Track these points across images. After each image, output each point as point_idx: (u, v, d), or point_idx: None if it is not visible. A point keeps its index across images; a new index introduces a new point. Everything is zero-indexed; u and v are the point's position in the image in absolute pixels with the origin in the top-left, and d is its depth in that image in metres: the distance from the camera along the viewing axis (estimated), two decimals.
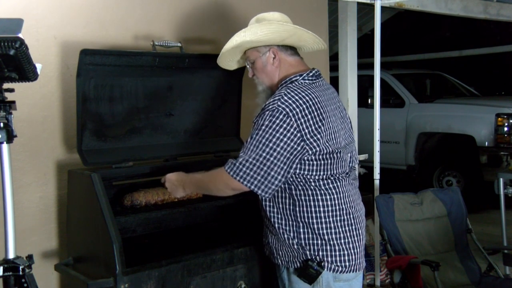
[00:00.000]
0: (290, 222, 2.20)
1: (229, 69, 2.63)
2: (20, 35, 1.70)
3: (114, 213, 2.34)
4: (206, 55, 2.94)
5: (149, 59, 2.68)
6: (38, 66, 1.85)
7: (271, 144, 2.08)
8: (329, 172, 2.17)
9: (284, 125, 2.08)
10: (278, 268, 2.34)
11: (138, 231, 2.55)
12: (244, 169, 2.10)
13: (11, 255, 1.92)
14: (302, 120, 2.10)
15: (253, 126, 2.17)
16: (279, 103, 2.11)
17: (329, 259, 2.18)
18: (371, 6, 4.06)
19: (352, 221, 2.23)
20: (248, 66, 2.40)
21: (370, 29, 8.12)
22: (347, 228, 2.21)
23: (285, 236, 2.21)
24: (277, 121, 2.09)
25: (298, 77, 2.25)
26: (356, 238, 2.23)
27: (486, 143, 6.45)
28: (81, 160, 2.55)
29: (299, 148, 2.10)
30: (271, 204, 2.25)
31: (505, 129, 6.35)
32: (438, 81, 8.34)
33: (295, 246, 2.20)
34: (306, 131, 2.10)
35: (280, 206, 2.22)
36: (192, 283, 2.44)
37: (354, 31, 4.46)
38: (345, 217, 2.21)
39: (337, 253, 2.19)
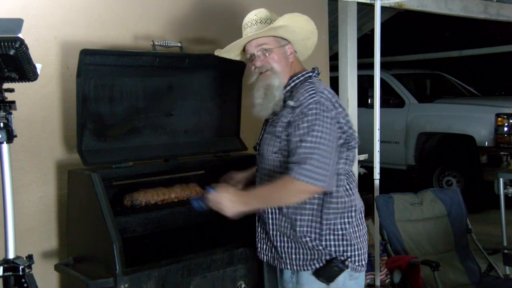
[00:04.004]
0: (313, 224, 2.17)
1: (226, 57, 2.49)
2: (20, 35, 1.70)
3: (114, 213, 2.34)
4: (206, 55, 2.94)
5: (149, 59, 2.68)
6: (38, 66, 1.85)
7: (326, 140, 2.06)
8: (347, 167, 2.21)
9: (330, 118, 2.10)
10: (281, 273, 2.29)
11: (138, 231, 2.55)
12: (316, 170, 2.04)
13: (11, 255, 1.92)
14: (338, 110, 2.15)
15: (298, 124, 2.10)
16: (318, 97, 2.12)
17: (352, 258, 2.19)
18: (371, 6, 4.06)
19: (362, 220, 2.27)
20: (257, 54, 2.27)
21: (370, 29, 8.11)
22: (361, 227, 2.25)
23: (306, 238, 2.17)
24: (324, 114, 2.09)
25: (311, 74, 2.27)
26: (365, 237, 2.28)
27: (486, 143, 6.44)
28: (81, 160, 2.55)
29: (340, 141, 2.15)
30: (296, 206, 2.18)
31: (505, 129, 6.34)
32: (438, 81, 8.34)
33: (318, 247, 2.17)
34: (343, 121, 2.16)
35: (307, 206, 2.17)
36: (192, 283, 2.44)
37: (354, 31, 4.46)
38: (359, 215, 2.24)
39: (357, 252, 2.21)
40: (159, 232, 2.68)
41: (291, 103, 2.15)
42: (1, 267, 1.90)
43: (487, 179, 6.21)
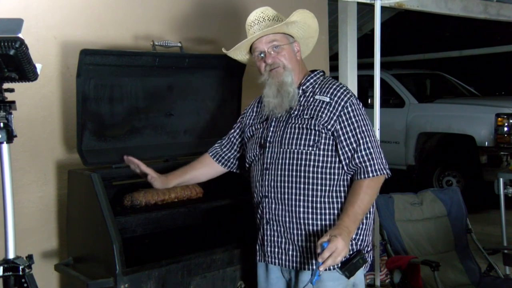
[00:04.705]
0: None
1: (233, 56, 2.47)
2: (20, 35, 1.70)
3: (114, 213, 2.34)
4: (206, 55, 2.94)
5: (149, 59, 2.68)
6: (38, 66, 1.85)
7: (371, 130, 2.21)
8: None
9: (363, 109, 2.25)
10: (297, 274, 2.21)
11: (138, 231, 2.55)
12: (383, 160, 2.18)
13: (11, 255, 1.92)
14: None
15: (346, 120, 2.16)
16: (349, 91, 2.23)
17: (370, 252, 2.25)
18: (371, 6, 4.05)
19: None
20: (268, 50, 2.25)
21: (370, 29, 8.11)
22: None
23: None
24: (361, 107, 2.23)
25: (322, 73, 2.34)
26: None
27: (486, 143, 6.44)
28: (81, 160, 2.55)
29: None
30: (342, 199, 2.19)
31: (505, 129, 6.34)
32: (438, 81, 8.34)
33: (352, 241, 2.15)
34: None
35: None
36: (192, 283, 2.44)
37: (354, 31, 4.46)
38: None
39: (371, 246, 2.25)
40: (159, 232, 2.68)
41: (326, 98, 2.20)
42: (1, 267, 1.90)
43: (487, 179, 6.21)
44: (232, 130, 2.55)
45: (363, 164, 2.14)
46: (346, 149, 2.16)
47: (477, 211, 6.15)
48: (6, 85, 1.88)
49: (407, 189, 3.79)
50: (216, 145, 2.58)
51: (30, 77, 1.82)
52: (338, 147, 2.16)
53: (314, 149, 2.16)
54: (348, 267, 2.11)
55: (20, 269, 1.90)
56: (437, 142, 7.11)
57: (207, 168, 2.56)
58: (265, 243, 2.26)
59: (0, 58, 1.71)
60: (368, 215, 2.23)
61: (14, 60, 1.72)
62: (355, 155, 2.15)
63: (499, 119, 6.38)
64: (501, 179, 4.48)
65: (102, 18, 2.92)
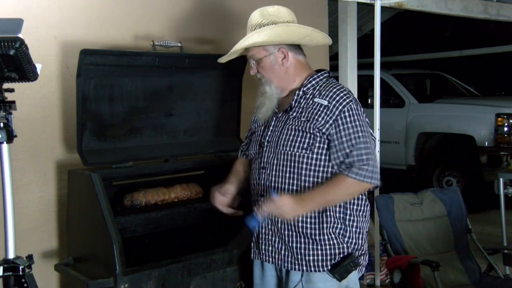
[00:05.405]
0: (341, 220, 2.19)
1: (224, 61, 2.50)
2: (20, 35, 1.70)
3: (114, 213, 2.34)
4: (206, 55, 2.94)
5: (149, 59, 2.68)
6: (38, 66, 1.85)
7: (368, 137, 2.14)
8: None
9: (365, 116, 2.19)
10: (287, 274, 2.24)
11: (138, 231, 2.55)
12: (374, 169, 2.12)
13: (11, 255, 1.92)
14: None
15: (342, 123, 2.12)
16: (350, 95, 2.17)
17: (364, 256, 2.23)
18: (371, 6, 4.05)
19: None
20: (251, 64, 2.29)
21: (370, 29, 8.11)
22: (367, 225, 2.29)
23: (333, 235, 2.17)
24: (361, 112, 2.17)
25: (327, 75, 2.29)
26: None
27: (486, 143, 6.44)
28: (81, 160, 2.55)
29: None
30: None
31: (505, 129, 6.34)
32: (438, 81, 8.34)
33: (341, 244, 2.17)
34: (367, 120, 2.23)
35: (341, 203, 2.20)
36: (192, 283, 2.44)
37: (354, 31, 4.46)
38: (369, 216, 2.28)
39: (366, 250, 2.24)
40: (159, 232, 2.68)
41: (324, 102, 2.16)
42: (1, 267, 1.90)
43: (487, 179, 6.21)
44: (250, 128, 2.55)
45: (353, 165, 2.11)
46: (339, 153, 2.13)
47: (477, 211, 6.14)
48: (6, 85, 1.88)
49: (407, 189, 3.78)
50: (243, 144, 2.57)
51: (30, 77, 1.82)
52: (331, 151, 2.14)
53: (308, 152, 2.15)
54: (338, 269, 2.14)
55: (20, 269, 1.90)
56: (437, 142, 7.11)
57: (248, 167, 2.48)
58: (260, 241, 2.29)
59: (0, 58, 1.71)
60: (362, 219, 2.22)
61: (14, 60, 1.72)
62: (346, 161, 2.12)
63: (499, 119, 6.38)
64: (501, 179, 4.48)
65: (102, 18, 2.92)
